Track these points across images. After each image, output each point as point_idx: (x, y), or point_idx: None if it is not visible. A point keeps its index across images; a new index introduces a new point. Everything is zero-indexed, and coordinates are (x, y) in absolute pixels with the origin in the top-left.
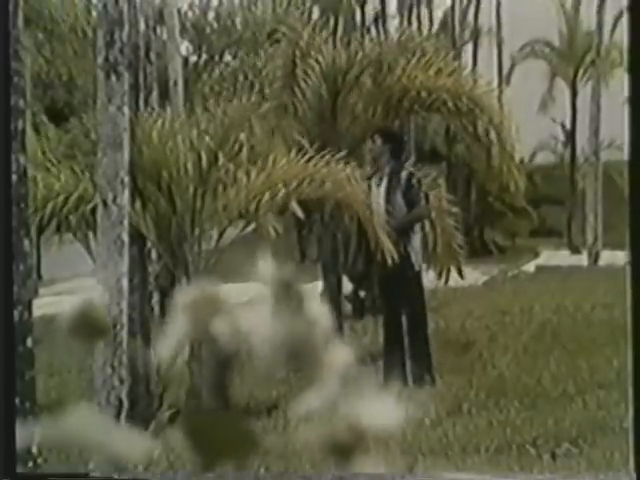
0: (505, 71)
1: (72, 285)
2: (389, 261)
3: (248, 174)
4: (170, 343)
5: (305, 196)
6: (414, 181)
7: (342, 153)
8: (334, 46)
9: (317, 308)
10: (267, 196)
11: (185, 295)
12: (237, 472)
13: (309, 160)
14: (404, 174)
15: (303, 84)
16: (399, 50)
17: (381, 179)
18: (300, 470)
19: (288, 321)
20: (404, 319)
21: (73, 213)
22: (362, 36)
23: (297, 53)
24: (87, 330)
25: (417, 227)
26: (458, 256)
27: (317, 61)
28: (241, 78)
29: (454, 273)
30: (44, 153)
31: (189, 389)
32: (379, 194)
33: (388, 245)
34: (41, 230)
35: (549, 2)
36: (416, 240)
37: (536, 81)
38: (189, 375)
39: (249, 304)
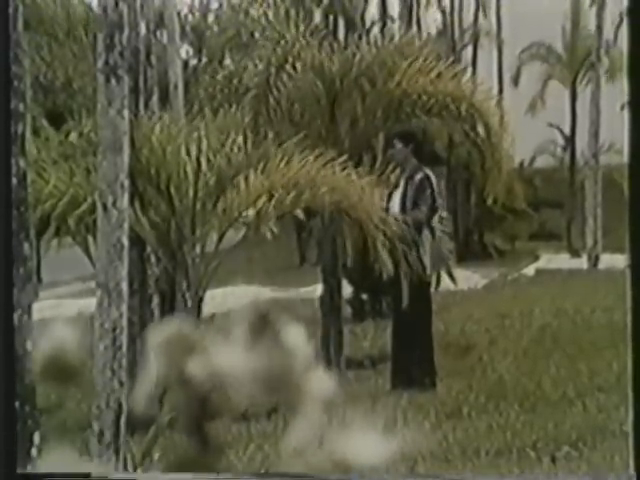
0: (508, 75)
1: (72, 289)
2: (384, 274)
3: (247, 178)
4: (144, 387)
5: (305, 202)
6: (426, 184)
7: (343, 158)
8: (331, 49)
9: (295, 336)
10: (266, 200)
11: (158, 334)
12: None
13: (309, 165)
14: (419, 176)
15: (300, 88)
16: (399, 54)
17: (398, 186)
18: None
19: (265, 353)
20: (410, 325)
21: (72, 216)
22: (360, 39)
23: (294, 56)
24: (59, 373)
25: (427, 235)
26: None
27: (313, 64)
28: (239, 82)
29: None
30: (43, 156)
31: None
32: (396, 198)
33: (384, 257)
34: (41, 233)
35: (550, 6)
36: (427, 248)
37: (536, 85)
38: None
39: (224, 338)
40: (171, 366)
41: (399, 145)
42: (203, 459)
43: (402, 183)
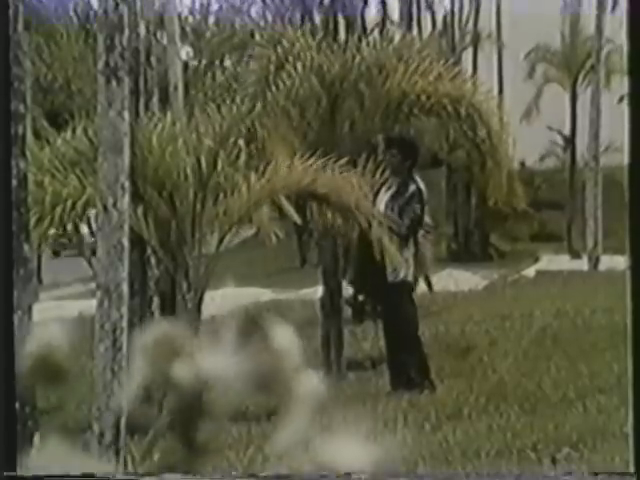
0: (508, 76)
1: (73, 290)
2: (389, 269)
3: (248, 179)
4: (130, 390)
5: (304, 205)
6: (416, 198)
7: (343, 160)
8: (331, 51)
9: (284, 338)
10: (267, 202)
11: (144, 337)
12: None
13: (310, 166)
14: (412, 188)
15: (301, 89)
16: (399, 55)
17: (390, 187)
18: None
19: (254, 355)
20: (397, 327)
21: (69, 218)
22: (360, 41)
23: (294, 57)
24: (46, 374)
25: (411, 240)
26: None
27: (313, 66)
28: (239, 83)
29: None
30: (46, 158)
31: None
32: (382, 200)
33: (394, 252)
34: (41, 235)
35: (550, 8)
36: (408, 251)
37: (536, 86)
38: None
39: (212, 340)
40: (157, 368)
41: (396, 153)
42: (196, 461)
43: (394, 186)
